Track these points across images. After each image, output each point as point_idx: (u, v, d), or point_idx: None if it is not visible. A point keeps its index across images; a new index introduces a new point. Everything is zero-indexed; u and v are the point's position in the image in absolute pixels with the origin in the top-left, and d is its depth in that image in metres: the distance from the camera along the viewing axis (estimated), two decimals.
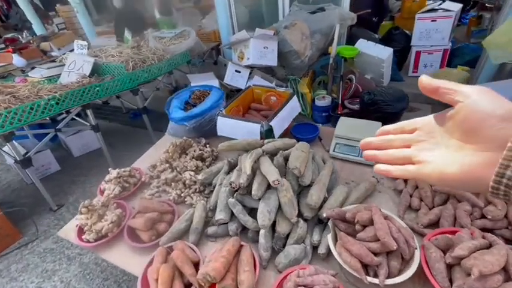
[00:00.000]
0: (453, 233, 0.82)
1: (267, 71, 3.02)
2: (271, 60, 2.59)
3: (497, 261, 0.65)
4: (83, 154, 2.97)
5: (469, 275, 0.69)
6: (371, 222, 0.82)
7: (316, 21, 2.70)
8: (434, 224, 0.93)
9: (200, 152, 1.36)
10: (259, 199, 0.94)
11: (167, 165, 1.32)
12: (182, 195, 1.18)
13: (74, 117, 2.24)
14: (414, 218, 0.98)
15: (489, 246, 0.74)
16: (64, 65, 2.55)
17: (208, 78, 2.73)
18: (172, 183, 1.23)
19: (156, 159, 1.43)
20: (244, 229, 1.00)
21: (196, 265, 0.89)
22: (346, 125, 1.36)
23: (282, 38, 2.59)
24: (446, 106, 0.39)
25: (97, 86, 2.14)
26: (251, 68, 2.77)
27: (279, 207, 0.93)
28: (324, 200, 0.98)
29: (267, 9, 3.51)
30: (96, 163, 2.76)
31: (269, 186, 0.99)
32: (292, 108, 1.43)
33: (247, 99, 1.64)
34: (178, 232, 1.01)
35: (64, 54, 2.97)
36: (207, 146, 1.46)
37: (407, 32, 3.38)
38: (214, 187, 1.19)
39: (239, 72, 2.74)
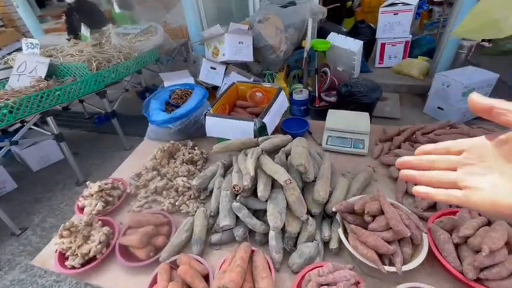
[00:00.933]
0: (453, 213, 0.87)
1: (242, 66, 2.96)
2: (247, 56, 2.54)
3: (502, 236, 0.70)
4: (44, 168, 2.65)
5: (476, 252, 0.73)
6: (380, 212, 0.83)
7: (288, 15, 2.71)
8: (432, 207, 0.97)
9: (190, 155, 1.28)
10: (266, 200, 0.91)
11: (155, 172, 1.21)
12: (177, 203, 1.10)
13: (31, 126, 1.97)
14: (412, 203, 1.02)
15: (487, 222, 0.80)
16: (11, 67, 2.22)
17: (182, 76, 2.59)
18: (164, 192, 1.14)
19: (140, 167, 1.31)
20: (250, 232, 0.96)
21: (205, 278, 0.83)
22: (336, 118, 1.37)
23: (256, 32, 2.54)
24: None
25: (57, 90, 1.90)
26: (226, 64, 2.69)
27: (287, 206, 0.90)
28: (329, 194, 0.97)
29: (236, 4, 3.43)
30: (61, 176, 2.48)
31: (273, 186, 0.96)
32: (282, 103, 1.40)
33: (232, 96, 1.58)
34: (179, 245, 0.93)
35: (9, 54, 2.59)
36: (195, 148, 1.38)
37: (371, 25, 3.56)
38: (210, 192, 1.12)
39: (214, 68, 2.64)
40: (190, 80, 2.56)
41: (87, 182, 1.20)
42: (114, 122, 2.59)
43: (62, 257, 0.96)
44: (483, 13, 1.97)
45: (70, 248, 0.94)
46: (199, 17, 3.18)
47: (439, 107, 2.62)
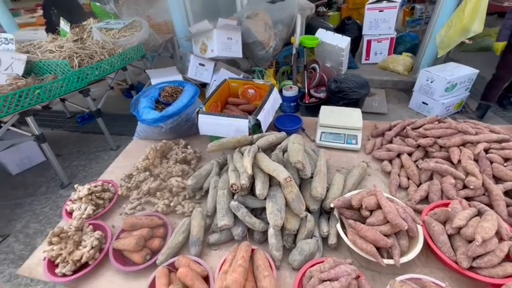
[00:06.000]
0: (445, 205, 0.90)
1: (231, 63, 2.92)
2: (236, 52, 2.50)
3: (493, 226, 0.73)
4: (24, 171, 2.51)
5: (469, 242, 0.76)
6: (377, 206, 0.85)
7: (277, 11, 2.69)
8: (424, 200, 1.00)
9: (183, 154, 1.24)
10: (265, 198, 0.90)
11: (147, 173, 1.18)
12: (171, 204, 1.07)
13: (9, 127, 1.85)
14: (405, 196, 1.05)
15: (478, 213, 0.83)
16: None
17: (170, 73, 2.52)
18: (157, 193, 1.10)
19: (130, 168, 1.27)
20: (248, 231, 0.95)
21: (205, 280, 0.81)
22: (329, 114, 1.38)
23: (245, 28, 2.51)
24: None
25: (37, 88, 1.79)
26: (215, 60, 2.64)
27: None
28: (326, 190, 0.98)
29: None
30: (43, 179, 2.35)
31: (270, 184, 0.96)
32: (275, 100, 1.39)
33: (224, 93, 1.55)
34: (176, 246, 0.91)
35: None
36: (188, 147, 1.35)
37: (357, 21, 3.61)
38: (205, 191, 1.10)
39: (203, 65, 2.59)
40: (179, 77, 2.50)
41: (75, 185, 1.14)
42: (99, 121, 2.49)
43: (52, 265, 0.91)
44: (450, 28, 2.30)
45: (60, 255, 0.89)
46: (185, 12, 3.10)
47: (423, 102, 2.70)
